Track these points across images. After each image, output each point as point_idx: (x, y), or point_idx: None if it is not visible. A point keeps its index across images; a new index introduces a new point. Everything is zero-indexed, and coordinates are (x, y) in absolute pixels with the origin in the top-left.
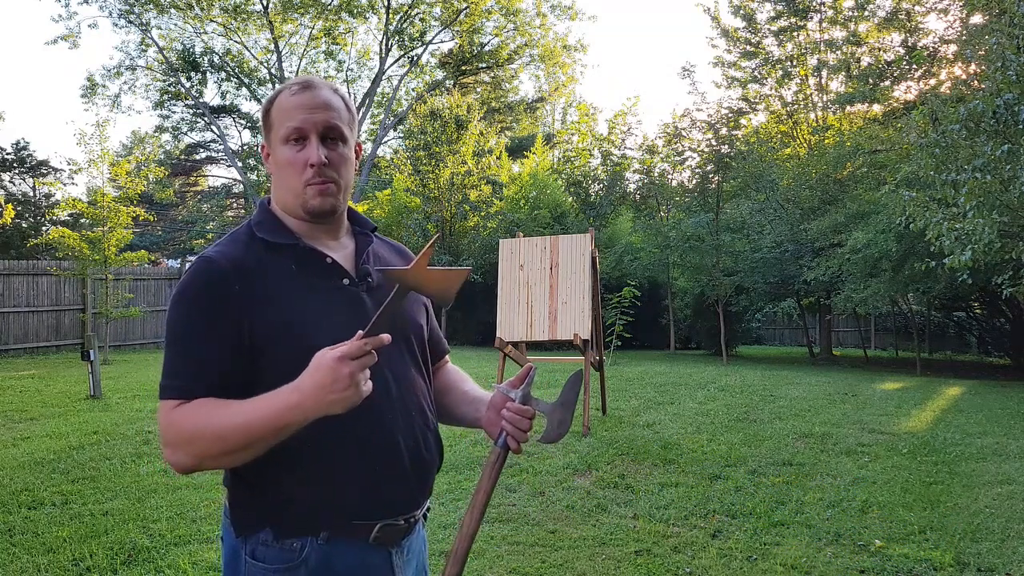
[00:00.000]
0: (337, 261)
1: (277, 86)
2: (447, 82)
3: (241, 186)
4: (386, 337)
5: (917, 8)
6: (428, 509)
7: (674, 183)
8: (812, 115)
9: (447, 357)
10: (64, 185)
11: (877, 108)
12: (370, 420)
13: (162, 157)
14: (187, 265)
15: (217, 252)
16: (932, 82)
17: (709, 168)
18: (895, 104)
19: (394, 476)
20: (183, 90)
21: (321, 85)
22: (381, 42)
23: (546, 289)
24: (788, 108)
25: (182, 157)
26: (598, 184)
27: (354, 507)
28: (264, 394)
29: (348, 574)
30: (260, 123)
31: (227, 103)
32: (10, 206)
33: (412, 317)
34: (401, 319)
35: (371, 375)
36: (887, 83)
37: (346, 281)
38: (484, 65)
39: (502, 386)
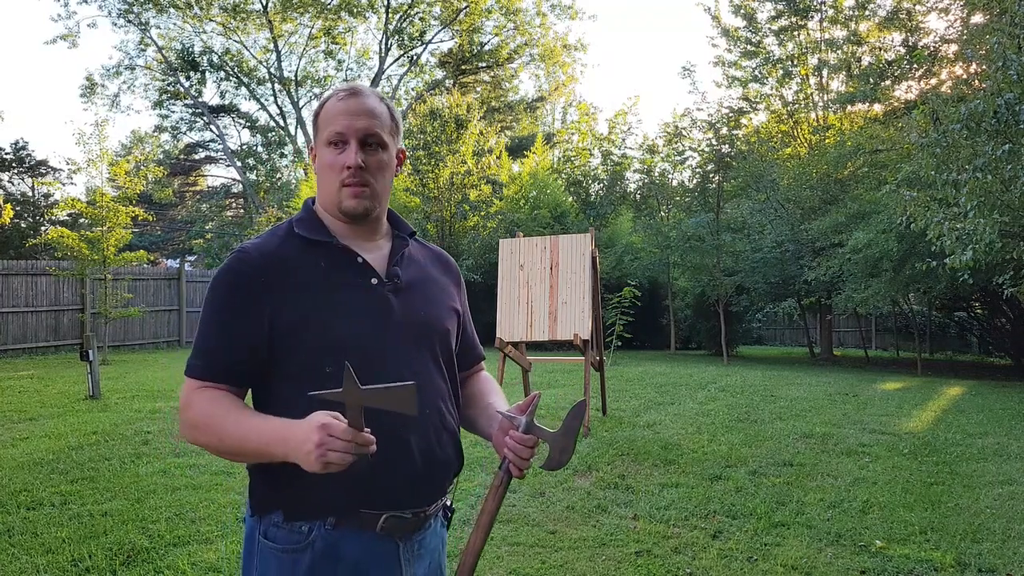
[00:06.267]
0: (368, 261)
1: (327, 91)
2: (447, 81)
3: (240, 186)
4: (371, 444)
5: (918, 7)
6: (452, 511)
7: (674, 183)
8: (812, 115)
9: (481, 364)
10: (63, 185)
11: (878, 108)
12: (381, 412)
13: (161, 157)
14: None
15: (253, 244)
16: (933, 82)
17: (709, 168)
18: (896, 104)
19: (400, 469)
20: (182, 90)
21: (368, 93)
22: (381, 42)
23: (546, 289)
24: (788, 108)
25: (181, 157)
26: (598, 184)
27: (359, 495)
28: (271, 417)
29: (354, 561)
30: (311, 126)
31: (226, 103)
32: (9, 206)
33: (437, 320)
34: (421, 321)
35: (389, 372)
36: (888, 83)
37: (374, 281)
38: (484, 64)
39: (509, 411)
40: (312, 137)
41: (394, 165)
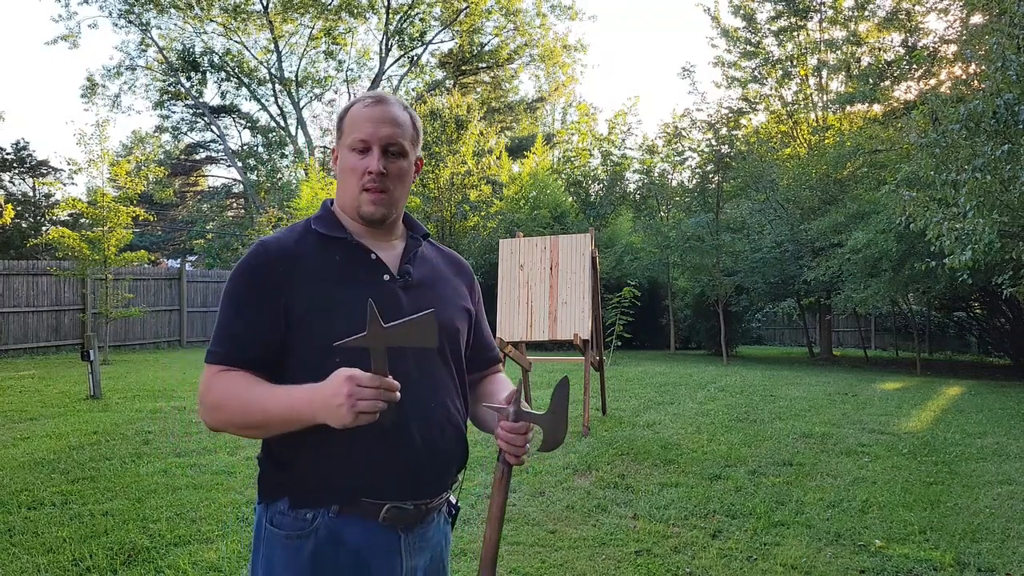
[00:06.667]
0: (381, 258)
1: (354, 96)
2: (447, 82)
3: (241, 186)
4: (397, 389)
5: (917, 8)
6: (457, 509)
7: (674, 183)
8: (812, 115)
9: (498, 366)
10: (64, 185)
11: (877, 108)
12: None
13: (162, 157)
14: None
15: (271, 238)
16: (932, 82)
17: (709, 168)
18: (895, 104)
19: (402, 460)
20: (183, 90)
21: (392, 102)
22: (381, 42)
23: (546, 289)
24: (788, 108)
25: (182, 157)
26: (598, 184)
27: (362, 484)
28: (291, 385)
29: (356, 549)
30: (335, 128)
31: (227, 103)
32: (10, 206)
33: (447, 318)
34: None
35: (396, 362)
36: (887, 83)
37: (386, 277)
38: (484, 65)
39: (498, 404)
40: (336, 140)
41: (412, 172)
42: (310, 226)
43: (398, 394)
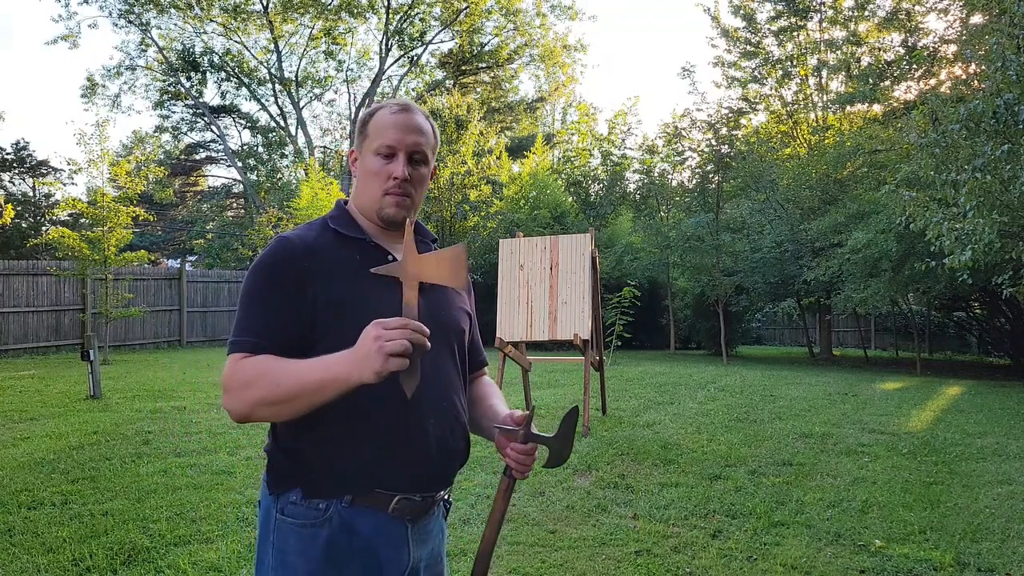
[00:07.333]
0: (397, 259)
1: (377, 102)
2: (447, 82)
3: (241, 186)
4: (427, 333)
5: (917, 8)
6: (450, 503)
7: (674, 183)
8: (812, 115)
9: (485, 370)
10: (64, 185)
11: (877, 108)
12: (401, 398)
13: (162, 157)
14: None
15: (292, 234)
16: (932, 82)
17: (709, 168)
18: (895, 104)
19: (417, 454)
20: (183, 90)
21: (417, 111)
22: (381, 42)
23: (546, 289)
24: (788, 108)
25: (182, 157)
26: (598, 184)
27: (377, 476)
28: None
29: (367, 538)
30: (356, 131)
31: (227, 103)
32: (10, 206)
33: (454, 320)
34: (442, 319)
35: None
36: (887, 83)
37: None
38: (484, 65)
39: (507, 424)
40: (357, 142)
41: (429, 179)
42: (327, 224)
43: (428, 344)
